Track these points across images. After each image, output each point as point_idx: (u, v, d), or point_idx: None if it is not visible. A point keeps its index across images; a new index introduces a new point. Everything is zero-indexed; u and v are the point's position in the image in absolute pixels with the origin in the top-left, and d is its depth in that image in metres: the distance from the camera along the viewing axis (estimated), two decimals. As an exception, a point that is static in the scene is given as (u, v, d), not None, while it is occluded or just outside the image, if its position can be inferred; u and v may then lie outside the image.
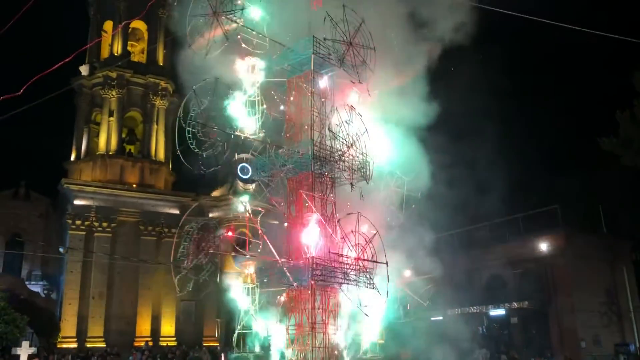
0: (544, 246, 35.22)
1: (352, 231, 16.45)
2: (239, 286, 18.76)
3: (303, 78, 18.23)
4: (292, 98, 18.51)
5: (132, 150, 37.76)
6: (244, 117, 17.19)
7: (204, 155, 16.16)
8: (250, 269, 19.74)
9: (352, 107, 17.57)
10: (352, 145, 17.51)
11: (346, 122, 17.17)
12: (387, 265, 16.10)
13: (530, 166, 40.82)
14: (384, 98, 20.06)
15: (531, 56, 47.06)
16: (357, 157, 17.80)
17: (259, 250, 19.02)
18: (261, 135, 17.53)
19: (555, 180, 40.28)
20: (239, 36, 16.32)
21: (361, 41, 17.45)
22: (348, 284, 16.72)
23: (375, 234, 16.74)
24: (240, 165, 38.03)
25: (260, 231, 18.46)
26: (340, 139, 17.37)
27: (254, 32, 16.64)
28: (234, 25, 15.86)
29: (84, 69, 38.33)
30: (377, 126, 20.04)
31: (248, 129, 17.25)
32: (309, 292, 16.90)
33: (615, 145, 27.02)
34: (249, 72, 17.37)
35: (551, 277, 35.97)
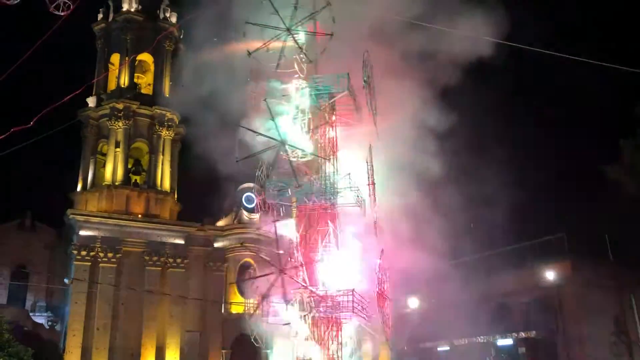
0: (550, 274, 34.97)
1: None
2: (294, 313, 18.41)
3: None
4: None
5: (138, 181, 37.92)
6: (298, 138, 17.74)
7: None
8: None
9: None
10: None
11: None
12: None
13: (536, 194, 40.77)
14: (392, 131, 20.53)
15: (536, 86, 47.40)
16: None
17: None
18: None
19: (561, 208, 40.23)
20: (298, 56, 16.97)
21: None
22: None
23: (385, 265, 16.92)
24: (245, 195, 38.17)
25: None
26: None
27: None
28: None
29: (91, 101, 38.78)
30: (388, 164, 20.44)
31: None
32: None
33: (619, 173, 27.13)
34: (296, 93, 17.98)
35: (558, 305, 35.62)
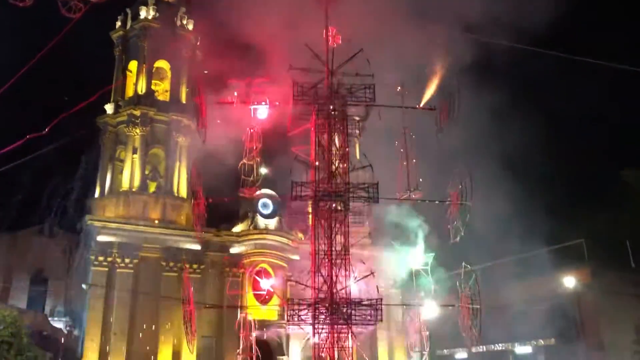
0: (570, 281, 34.53)
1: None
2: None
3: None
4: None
5: (157, 186, 38.16)
6: None
7: None
8: None
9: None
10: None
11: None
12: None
13: (556, 201, 40.26)
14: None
15: (557, 90, 46.85)
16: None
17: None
18: None
19: (581, 214, 39.67)
20: None
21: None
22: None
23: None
24: (261, 201, 38.22)
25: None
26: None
27: None
28: None
29: (109, 107, 39.18)
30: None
31: None
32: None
33: (638, 177, 26.73)
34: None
35: (578, 313, 35.12)
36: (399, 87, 19.83)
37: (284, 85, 20.47)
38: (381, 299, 18.53)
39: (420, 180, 26.10)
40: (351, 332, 18.04)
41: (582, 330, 33.87)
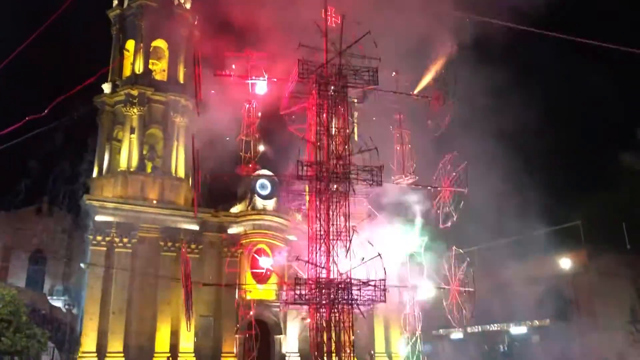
0: (566, 263, 34.77)
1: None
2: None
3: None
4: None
5: (155, 166, 38.12)
6: None
7: None
8: None
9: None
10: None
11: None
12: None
13: (553, 183, 40.34)
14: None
15: (555, 74, 46.67)
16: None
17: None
18: None
19: (577, 197, 39.78)
20: None
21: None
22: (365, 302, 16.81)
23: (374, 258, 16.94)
24: (259, 182, 38.24)
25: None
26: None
27: None
28: None
29: (106, 87, 38.97)
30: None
31: None
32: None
33: (638, 160, 26.74)
34: None
35: (573, 294, 35.42)
36: (394, 73, 19.77)
37: (282, 63, 20.36)
38: (384, 280, 18.62)
39: (414, 165, 26.18)
40: (351, 312, 18.18)
41: (577, 310, 34.21)
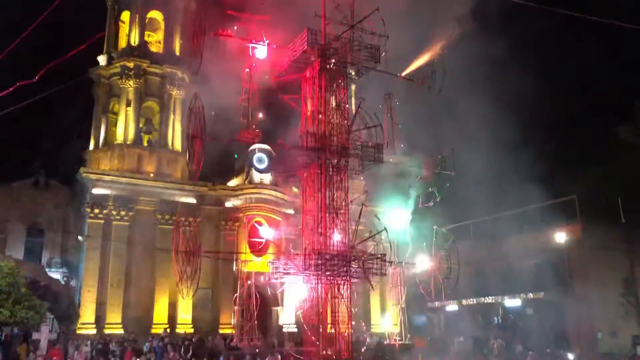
0: (561, 237, 35.01)
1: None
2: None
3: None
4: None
5: (151, 139, 38.03)
6: None
7: None
8: None
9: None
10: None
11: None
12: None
13: (549, 157, 40.41)
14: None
15: (551, 47, 46.42)
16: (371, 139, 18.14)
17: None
18: None
19: (573, 170, 39.90)
20: None
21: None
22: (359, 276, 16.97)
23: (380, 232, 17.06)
24: (256, 156, 38.23)
25: None
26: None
27: None
28: None
29: (102, 59, 38.63)
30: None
31: None
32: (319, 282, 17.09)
33: (634, 134, 26.77)
34: None
35: (568, 268, 35.75)
36: (384, 53, 19.60)
37: (282, 30, 20.05)
38: (384, 254, 18.76)
39: (402, 146, 26.21)
40: (349, 284, 18.33)
41: (571, 284, 34.58)
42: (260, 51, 20.72)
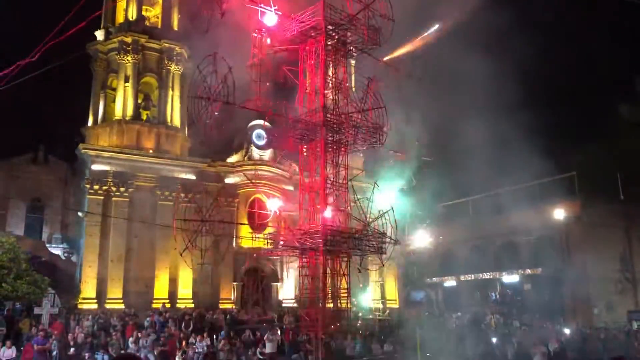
0: (559, 213, 35.15)
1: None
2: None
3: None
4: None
5: (150, 115, 37.89)
6: None
7: None
8: None
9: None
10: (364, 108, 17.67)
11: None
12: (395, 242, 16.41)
13: (548, 133, 40.32)
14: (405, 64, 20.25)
15: (553, 20, 45.84)
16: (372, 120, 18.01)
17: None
18: None
19: (573, 147, 39.83)
20: None
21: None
22: (358, 251, 17.04)
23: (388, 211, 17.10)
24: (255, 132, 38.16)
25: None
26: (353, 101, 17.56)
27: None
28: None
29: (99, 34, 38.30)
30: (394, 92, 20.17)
31: None
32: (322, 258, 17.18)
33: (635, 109, 26.65)
34: None
35: (566, 244, 35.96)
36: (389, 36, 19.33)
37: (294, 3, 19.64)
38: (385, 233, 18.78)
39: (385, 129, 25.97)
40: (348, 260, 18.42)
41: (569, 260, 34.81)
42: (270, 18, 20.16)
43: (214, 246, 36.67)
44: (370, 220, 17.84)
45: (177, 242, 17.68)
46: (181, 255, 18.27)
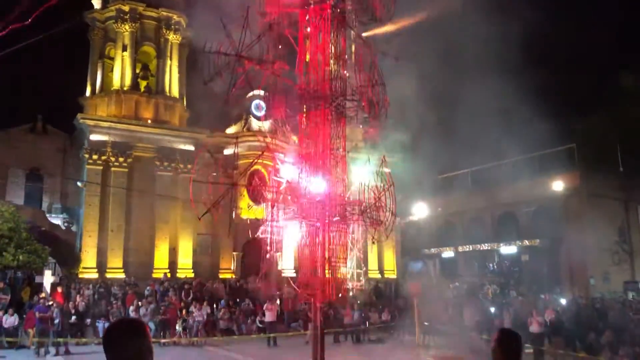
0: (558, 185, 35.17)
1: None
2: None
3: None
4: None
5: (148, 85, 37.62)
6: None
7: None
8: None
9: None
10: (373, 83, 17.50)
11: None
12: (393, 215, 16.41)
13: (548, 104, 40.11)
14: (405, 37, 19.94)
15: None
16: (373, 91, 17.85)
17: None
18: None
19: (573, 119, 39.68)
20: None
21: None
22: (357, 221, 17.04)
23: (391, 186, 17.05)
24: (254, 102, 37.92)
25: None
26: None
27: None
28: None
29: (96, 2, 37.78)
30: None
31: None
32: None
33: (636, 81, 26.45)
34: None
35: (564, 215, 36.06)
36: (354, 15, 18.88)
37: None
38: (383, 205, 18.78)
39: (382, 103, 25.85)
40: (345, 230, 18.42)
41: (567, 231, 34.94)
42: None
43: (213, 217, 36.91)
44: (378, 195, 17.81)
45: (197, 208, 17.63)
46: (199, 219, 18.15)
